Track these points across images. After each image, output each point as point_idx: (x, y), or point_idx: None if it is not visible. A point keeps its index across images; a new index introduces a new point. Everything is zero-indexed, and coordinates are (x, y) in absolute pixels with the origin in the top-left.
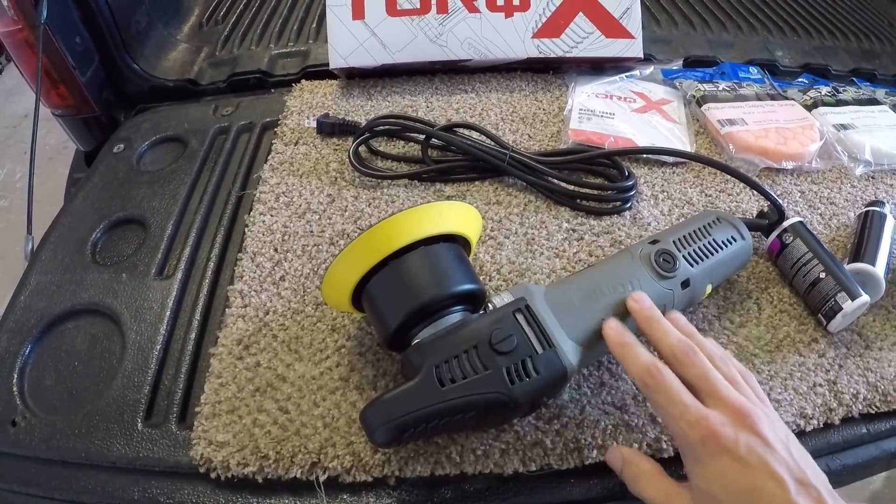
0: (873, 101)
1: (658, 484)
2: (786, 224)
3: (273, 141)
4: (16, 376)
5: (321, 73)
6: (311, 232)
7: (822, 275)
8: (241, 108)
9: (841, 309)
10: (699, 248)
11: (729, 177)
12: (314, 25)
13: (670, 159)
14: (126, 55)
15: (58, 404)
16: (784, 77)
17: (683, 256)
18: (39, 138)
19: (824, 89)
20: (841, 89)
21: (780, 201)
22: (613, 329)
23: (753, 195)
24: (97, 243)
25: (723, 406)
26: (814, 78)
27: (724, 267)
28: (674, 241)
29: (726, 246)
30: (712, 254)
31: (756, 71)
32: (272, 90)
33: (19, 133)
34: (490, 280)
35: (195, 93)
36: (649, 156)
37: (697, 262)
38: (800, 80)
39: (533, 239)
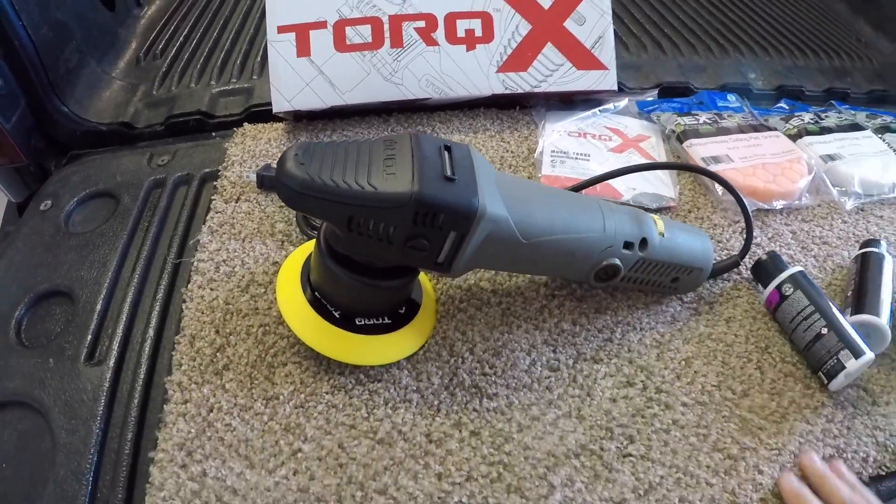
0: (856, 127)
1: None
2: (785, 275)
3: (213, 197)
4: None
5: (267, 113)
6: (257, 310)
7: (824, 330)
8: (178, 157)
9: (844, 368)
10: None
11: (716, 220)
12: (258, 60)
13: (652, 205)
14: (55, 97)
15: None
16: (760, 102)
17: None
18: None
19: (807, 116)
20: (823, 116)
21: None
22: (789, 483)
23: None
24: (22, 321)
25: None
26: (792, 103)
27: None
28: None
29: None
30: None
31: (734, 98)
32: (213, 133)
33: None
34: (463, 362)
35: (131, 136)
36: (630, 202)
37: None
38: (779, 106)
39: (508, 308)
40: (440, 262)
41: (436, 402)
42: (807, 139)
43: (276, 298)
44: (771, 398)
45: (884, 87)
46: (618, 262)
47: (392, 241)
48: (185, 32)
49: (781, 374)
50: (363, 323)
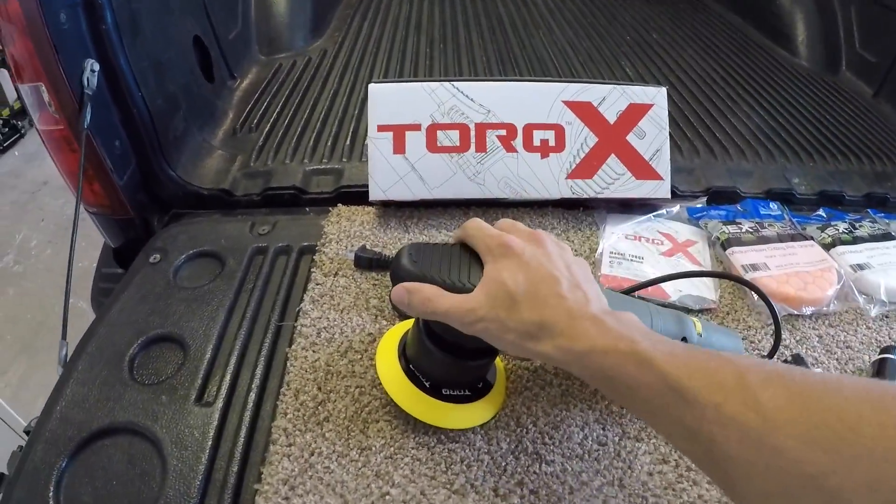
0: (888, 236)
1: (448, 297)
2: None
3: (312, 270)
4: (52, 489)
5: (356, 194)
6: (354, 373)
7: None
8: (277, 229)
9: None
10: None
11: (751, 322)
12: (348, 143)
13: (695, 306)
14: (163, 161)
15: None
16: (801, 207)
17: None
18: (57, 207)
19: (841, 226)
20: (857, 225)
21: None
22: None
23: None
24: (134, 359)
25: (519, 233)
26: (830, 212)
27: None
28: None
29: None
30: None
31: (776, 207)
32: (307, 208)
33: (38, 199)
34: (527, 432)
35: (229, 202)
36: (676, 303)
37: None
38: (818, 214)
39: (567, 390)
40: None
41: (503, 464)
42: (839, 248)
43: (374, 367)
44: None
45: None
46: None
47: None
48: (277, 109)
49: None
50: (448, 393)
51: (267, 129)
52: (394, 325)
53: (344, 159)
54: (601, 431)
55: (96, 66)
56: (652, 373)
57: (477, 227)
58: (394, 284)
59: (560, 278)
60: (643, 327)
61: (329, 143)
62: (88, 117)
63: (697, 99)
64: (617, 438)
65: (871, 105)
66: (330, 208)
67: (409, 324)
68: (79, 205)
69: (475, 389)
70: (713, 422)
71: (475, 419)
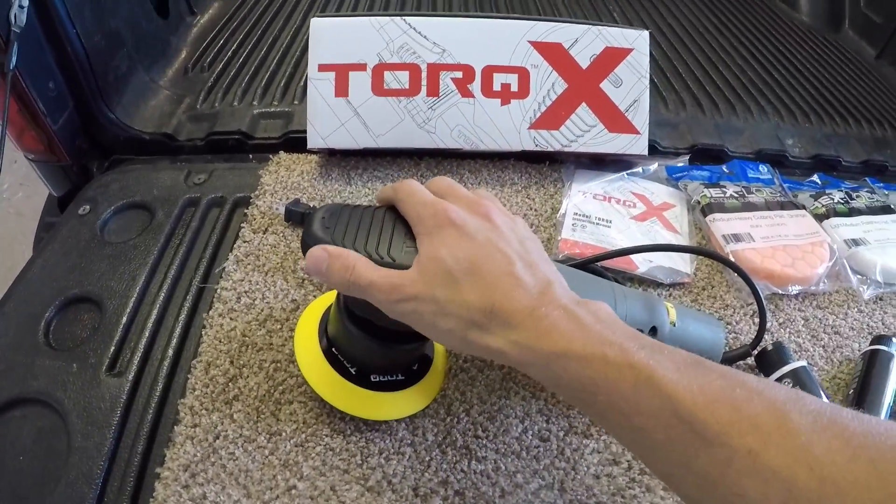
0: (887, 209)
1: (375, 269)
2: (786, 368)
3: (242, 225)
4: None
5: (304, 140)
6: (271, 345)
7: None
8: (213, 177)
9: None
10: None
11: (729, 300)
12: (301, 84)
13: (667, 279)
14: (102, 103)
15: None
16: (794, 171)
17: None
18: None
19: (837, 195)
20: (854, 195)
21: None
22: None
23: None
24: (51, 322)
25: (459, 200)
26: (825, 178)
27: None
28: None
29: None
30: None
31: (766, 170)
32: (250, 155)
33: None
34: (458, 422)
35: (172, 148)
36: (644, 275)
37: None
38: (811, 180)
39: (508, 373)
40: None
41: (427, 458)
42: (834, 220)
43: (294, 348)
44: None
45: None
46: None
47: None
48: (233, 47)
49: None
50: (378, 380)
51: (219, 69)
52: (321, 292)
53: (295, 102)
54: (544, 425)
55: (25, 1)
56: (655, 395)
57: (409, 192)
58: (304, 252)
59: (512, 256)
60: (627, 327)
61: (282, 85)
62: (15, 57)
63: (687, 48)
64: (562, 433)
65: (873, 67)
66: (270, 156)
67: (334, 294)
68: (2, 153)
69: (409, 373)
70: (745, 473)
71: (409, 408)
